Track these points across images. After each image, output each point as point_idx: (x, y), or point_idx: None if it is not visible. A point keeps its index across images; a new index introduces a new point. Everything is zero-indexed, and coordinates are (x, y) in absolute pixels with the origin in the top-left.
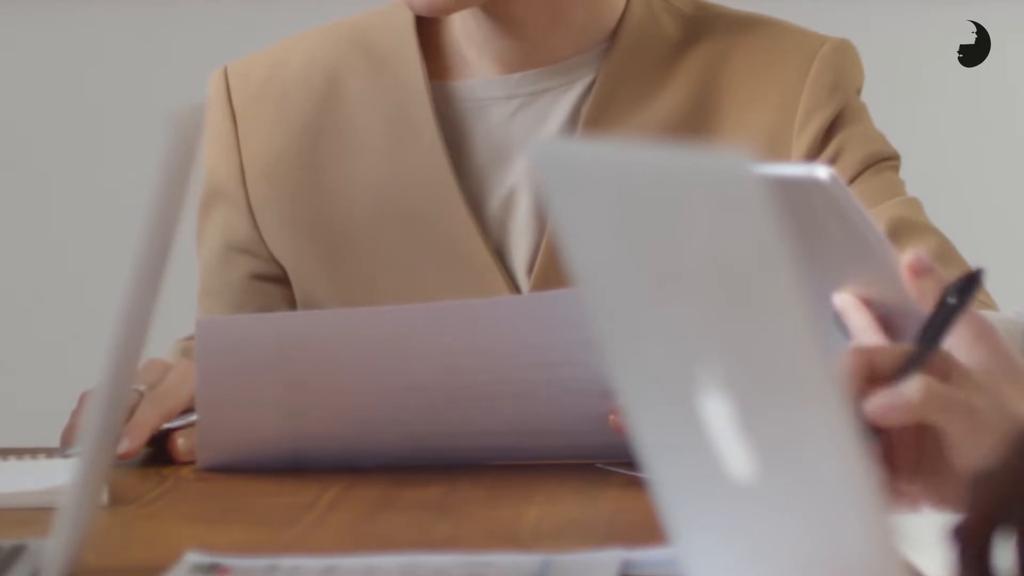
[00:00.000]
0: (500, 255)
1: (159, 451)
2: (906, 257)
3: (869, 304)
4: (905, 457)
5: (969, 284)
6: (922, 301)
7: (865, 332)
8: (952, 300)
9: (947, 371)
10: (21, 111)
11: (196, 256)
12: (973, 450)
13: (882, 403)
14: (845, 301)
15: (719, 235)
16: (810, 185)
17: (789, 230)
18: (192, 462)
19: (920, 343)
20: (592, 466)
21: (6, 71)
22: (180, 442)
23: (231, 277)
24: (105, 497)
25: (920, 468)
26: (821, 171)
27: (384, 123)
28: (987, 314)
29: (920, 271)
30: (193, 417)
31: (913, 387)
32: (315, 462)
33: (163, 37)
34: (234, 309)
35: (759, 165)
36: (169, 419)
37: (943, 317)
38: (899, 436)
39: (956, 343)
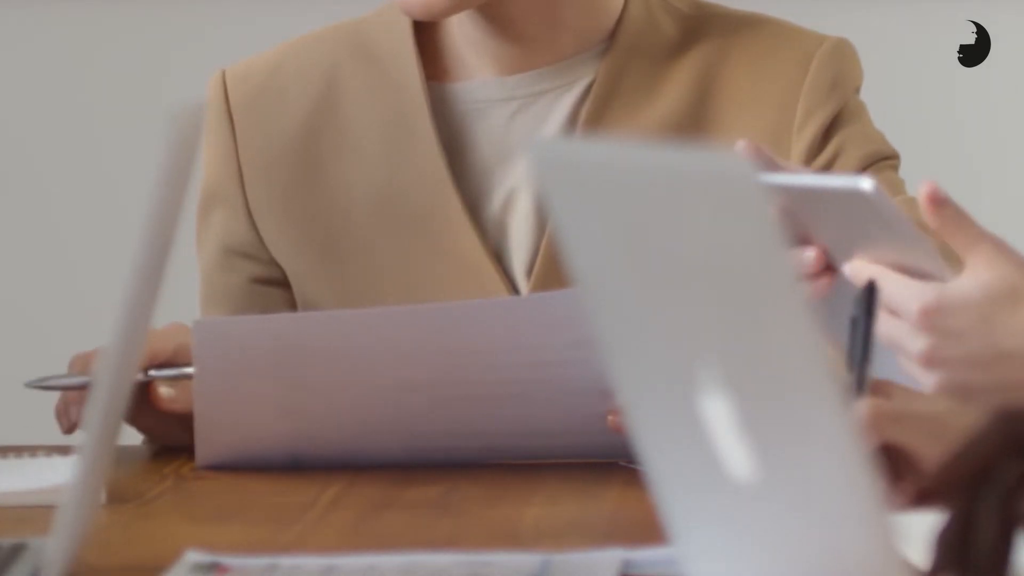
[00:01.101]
0: (499, 257)
1: (141, 402)
2: (922, 189)
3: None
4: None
5: (869, 295)
6: (941, 231)
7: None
8: (857, 314)
9: (888, 390)
10: (21, 111)
11: (197, 261)
12: (937, 453)
13: None
14: (856, 268)
15: (719, 235)
16: (853, 196)
17: (831, 236)
18: (177, 413)
19: (851, 368)
20: (592, 466)
21: (5, 71)
22: (162, 389)
23: (232, 282)
24: (103, 496)
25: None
26: (865, 183)
27: (381, 125)
28: None
29: (939, 201)
30: (178, 371)
31: (859, 411)
32: (314, 462)
33: (163, 38)
34: (236, 314)
35: (802, 174)
36: (152, 362)
37: (859, 335)
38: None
39: (979, 260)
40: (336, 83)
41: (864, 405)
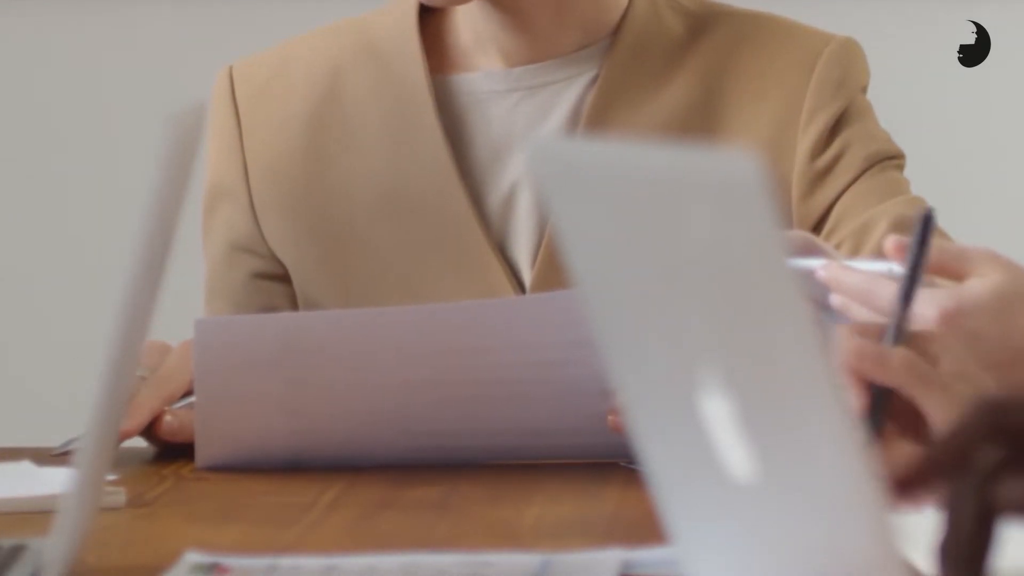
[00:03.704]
0: (502, 249)
1: (148, 434)
2: (886, 247)
3: None
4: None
5: (925, 225)
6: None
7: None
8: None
9: (933, 354)
10: (22, 111)
11: (203, 255)
12: (945, 420)
13: (858, 349)
14: (831, 269)
15: (720, 235)
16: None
17: None
18: (178, 443)
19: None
20: (592, 466)
21: (6, 70)
22: (167, 419)
23: (234, 277)
24: (123, 498)
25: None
26: (896, 267)
27: (386, 119)
28: None
29: (906, 247)
30: (184, 401)
31: (895, 352)
32: (315, 462)
33: (166, 37)
34: (236, 309)
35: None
36: (170, 403)
37: (912, 268)
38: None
39: (979, 267)
40: (341, 79)
41: (901, 350)
